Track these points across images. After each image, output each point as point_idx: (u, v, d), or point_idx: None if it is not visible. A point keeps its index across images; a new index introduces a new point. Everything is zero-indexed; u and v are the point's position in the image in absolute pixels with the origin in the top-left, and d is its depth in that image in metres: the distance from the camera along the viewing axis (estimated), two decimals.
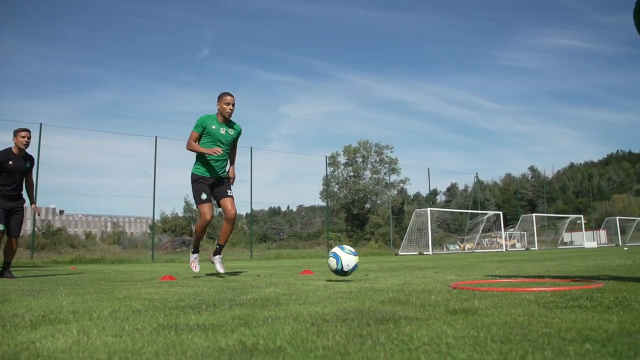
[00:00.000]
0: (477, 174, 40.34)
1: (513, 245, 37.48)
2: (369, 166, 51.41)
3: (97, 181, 21.95)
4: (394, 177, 49.20)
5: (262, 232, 58.12)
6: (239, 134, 6.16)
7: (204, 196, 5.89)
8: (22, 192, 6.89)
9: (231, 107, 5.96)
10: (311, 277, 5.48)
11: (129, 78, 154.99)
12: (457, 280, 4.33)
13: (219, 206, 6.11)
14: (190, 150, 5.94)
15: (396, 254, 24.63)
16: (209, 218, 5.91)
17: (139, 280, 5.63)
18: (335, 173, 51.19)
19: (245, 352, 1.49)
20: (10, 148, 6.71)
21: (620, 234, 42.85)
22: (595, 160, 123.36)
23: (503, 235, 34.49)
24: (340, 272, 4.57)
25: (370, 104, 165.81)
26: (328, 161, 40.79)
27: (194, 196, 5.98)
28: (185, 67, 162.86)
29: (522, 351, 1.39)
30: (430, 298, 2.87)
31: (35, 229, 20.24)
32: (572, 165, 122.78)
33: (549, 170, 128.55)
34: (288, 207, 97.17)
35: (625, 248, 23.94)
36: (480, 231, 34.10)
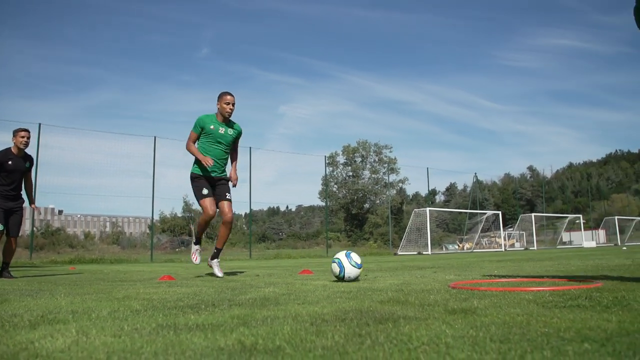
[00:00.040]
0: (475, 173, 40.35)
1: (512, 245, 37.50)
2: (367, 166, 51.45)
3: (96, 181, 21.97)
4: (392, 177, 49.26)
5: (261, 232, 58.05)
6: (239, 134, 6.13)
7: (205, 191, 5.85)
8: (22, 192, 6.89)
9: (231, 107, 5.93)
10: (310, 277, 5.48)
11: (129, 78, 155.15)
12: (456, 280, 4.33)
13: (217, 208, 6.09)
14: (188, 151, 5.98)
15: (395, 254, 24.63)
16: (211, 213, 5.83)
17: (137, 280, 5.63)
18: (334, 173, 51.22)
19: (244, 351, 1.49)
20: (10, 148, 6.70)
21: (619, 234, 42.86)
22: (594, 160, 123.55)
23: (502, 235, 34.49)
24: (341, 279, 4.55)
25: (369, 104, 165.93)
26: (327, 161, 40.84)
27: (194, 193, 5.93)
28: (184, 67, 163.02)
29: (521, 351, 1.40)
30: (429, 298, 2.87)
31: (34, 229, 20.23)
32: (571, 165, 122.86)
33: (547, 170, 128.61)
34: (287, 207, 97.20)
35: (624, 248, 23.96)
36: (479, 231, 34.10)
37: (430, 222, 27.84)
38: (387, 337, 1.65)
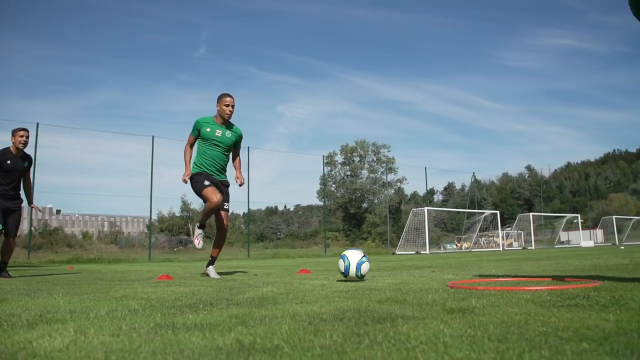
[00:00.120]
0: (474, 173, 40.45)
1: (510, 245, 37.55)
2: (366, 165, 51.45)
3: (94, 181, 21.99)
4: (391, 177, 49.25)
5: (259, 231, 58.01)
6: (238, 137, 6.05)
7: (206, 182, 5.76)
8: (20, 192, 6.88)
9: (230, 109, 5.88)
10: (308, 277, 5.49)
11: (128, 78, 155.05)
12: (454, 280, 4.33)
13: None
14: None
15: (393, 253, 24.65)
16: (216, 201, 5.67)
17: (136, 279, 5.63)
18: (333, 172, 51.22)
19: (243, 351, 1.49)
20: (9, 148, 6.69)
21: (617, 233, 42.91)
22: (592, 160, 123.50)
23: (500, 235, 34.52)
24: (343, 274, 4.52)
25: (368, 104, 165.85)
26: (325, 160, 40.84)
27: (196, 189, 5.81)
28: (183, 67, 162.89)
29: (519, 350, 1.40)
30: (428, 297, 2.87)
31: (32, 228, 20.23)
32: (569, 165, 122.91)
33: (545, 169, 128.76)
34: (285, 207, 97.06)
35: (622, 247, 23.98)
36: (477, 230, 34.14)
37: (428, 222, 27.87)
38: (385, 337, 1.65)
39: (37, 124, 17.05)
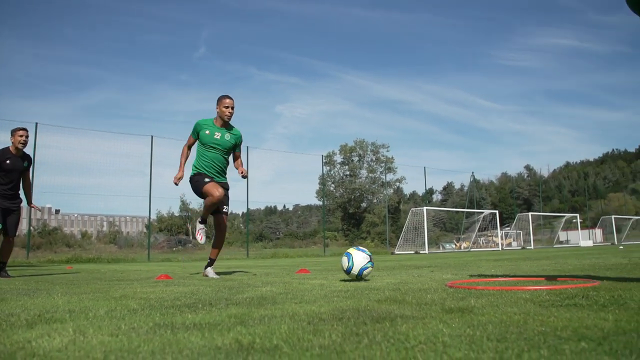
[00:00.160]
0: (473, 173, 40.45)
1: (509, 244, 37.58)
2: (365, 165, 51.51)
3: (93, 180, 21.94)
4: (390, 176, 49.27)
5: (258, 231, 58.04)
6: (237, 139, 5.99)
7: (206, 179, 5.74)
8: (19, 192, 6.88)
9: (230, 111, 5.84)
10: (307, 276, 5.48)
11: (127, 78, 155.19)
12: (453, 279, 4.33)
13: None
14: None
15: (392, 253, 24.65)
16: (217, 194, 5.60)
17: (135, 279, 5.63)
18: (332, 172, 51.25)
19: (242, 350, 1.49)
20: (8, 147, 6.69)
21: (616, 233, 42.94)
22: (591, 159, 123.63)
23: (499, 234, 34.56)
24: (344, 271, 4.49)
25: (367, 104, 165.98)
26: (324, 160, 40.84)
27: (196, 187, 5.77)
28: (182, 67, 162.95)
29: (518, 350, 1.40)
30: (427, 297, 2.87)
31: (31, 228, 20.21)
32: (567, 164, 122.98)
33: (544, 169, 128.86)
34: (284, 206, 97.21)
35: (621, 247, 23.99)
36: (476, 230, 34.16)
37: (427, 221, 27.87)
38: (384, 336, 1.65)
39: (36, 123, 17.05)
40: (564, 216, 43.20)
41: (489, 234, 36.40)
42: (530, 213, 37.67)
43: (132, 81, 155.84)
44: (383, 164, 49.05)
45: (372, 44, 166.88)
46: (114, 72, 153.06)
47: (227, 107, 5.84)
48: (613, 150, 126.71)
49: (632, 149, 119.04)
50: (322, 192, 36.00)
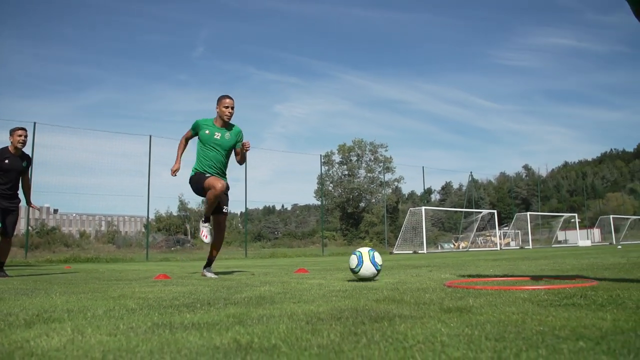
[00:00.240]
0: (471, 172, 40.48)
1: (507, 244, 37.62)
2: (363, 165, 51.55)
3: (92, 180, 21.89)
4: (388, 176, 49.33)
5: (256, 230, 58.07)
6: (238, 135, 5.92)
7: (207, 174, 5.71)
8: (18, 192, 6.87)
9: (230, 110, 5.79)
10: (306, 276, 5.48)
11: (126, 78, 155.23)
12: (451, 279, 4.33)
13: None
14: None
15: (391, 253, 24.66)
16: (220, 186, 5.54)
17: (133, 279, 5.62)
18: (330, 172, 51.27)
19: (240, 350, 1.49)
20: (7, 147, 6.68)
21: (614, 233, 42.99)
22: (589, 159, 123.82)
23: (497, 234, 34.59)
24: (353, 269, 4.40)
25: (366, 103, 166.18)
26: (323, 160, 40.82)
27: (197, 185, 5.73)
28: (181, 67, 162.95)
29: (517, 349, 1.40)
30: (425, 296, 2.87)
31: (29, 228, 20.18)
32: (566, 164, 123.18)
33: (543, 168, 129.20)
34: (283, 206, 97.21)
35: (619, 246, 24.03)
36: (475, 230, 34.18)
37: (425, 221, 27.89)
38: (382, 336, 1.65)
39: (35, 123, 17.03)
40: (562, 216, 43.24)
41: (488, 234, 36.43)
42: (528, 213, 37.69)
43: (131, 81, 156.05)
44: (381, 164, 49.10)
45: (371, 44, 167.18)
46: (113, 72, 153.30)
47: (227, 107, 5.79)
48: (611, 150, 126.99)
49: (630, 149, 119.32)
50: (321, 192, 35.98)
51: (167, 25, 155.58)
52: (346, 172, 51.35)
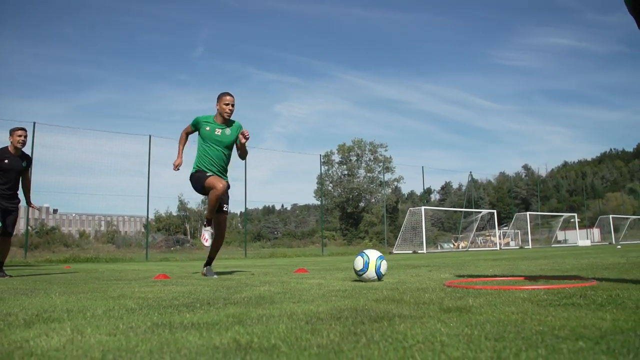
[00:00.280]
0: (471, 172, 40.47)
1: (507, 244, 37.62)
2: (363, 165, 51.55)
3: (91, 180, 21.94)
4: (388, 176, 49.32)
5: (256, 230, 58.07)
6: (239, 128, 5.88)
7: (209, 173, 5.69)
8: (18, 192, 6.87)
9: (230, 108, 5.77)
10: (305, 276, 5.48)
11: (126, 78, 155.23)
12: (451, 279, 4.33)
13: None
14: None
15: (390, 253, 24.66)
16: (221, 186, 5.54)
17: (133, 279, 5.62)
18: (330, 172, 51.28)
19: (240, 350, 1.49)
20: (7, 147, 6.68)
21: (614, 232, 43.00)
22: (589, 159, 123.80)
23: (497, 234, 34.59)
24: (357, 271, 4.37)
25: (365, 103, 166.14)
26: (322, 160, 40.83)
27: (198, 184, 5.72)
28: (181, 67, 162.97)
29: (516, 349, 1.40)
30: (425, 296, 2.87)
31: (29, 228, 20.18)
32: (565, 164, 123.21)
33: (542, 168, 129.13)
34: (282, 206, 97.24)
35: (619, 246, 24.03)
36: (474, 230, 34.18)
37: (425, 221, 27.89)
38: (382, 336, 1.65)
39: (34, 123, 17.03)
40: (561, 216, 43.24)
41: (487, 234, 36.43)
42: (528, 213, 37.70)
43: (131, 81, 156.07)
44: (381, 164, 49.11)
45: (371, 44, 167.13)
46: (113, 72, 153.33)
47: (227, 104, 5.77)
48: (611, 149, 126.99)
49: (630, 149, 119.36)
50: (320, 192, 35.96)
51: (167, 25, 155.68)
52: (346, 172, 51.36)
